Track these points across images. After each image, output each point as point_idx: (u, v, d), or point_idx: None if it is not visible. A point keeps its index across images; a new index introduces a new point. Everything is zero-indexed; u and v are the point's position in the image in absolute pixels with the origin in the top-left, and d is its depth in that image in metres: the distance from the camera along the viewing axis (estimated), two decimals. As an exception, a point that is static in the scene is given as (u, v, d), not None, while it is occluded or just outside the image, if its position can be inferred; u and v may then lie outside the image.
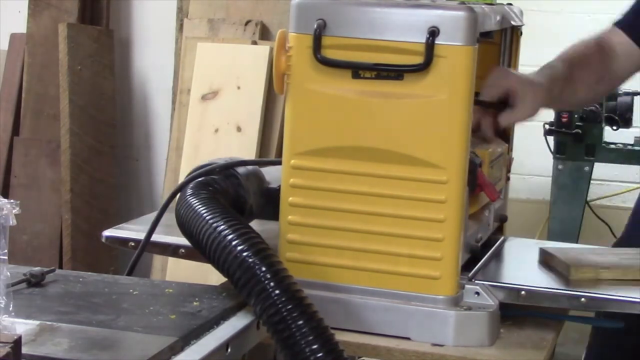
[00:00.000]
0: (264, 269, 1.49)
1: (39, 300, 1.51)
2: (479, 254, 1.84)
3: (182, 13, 3.93)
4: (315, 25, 1.66)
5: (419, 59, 1.62)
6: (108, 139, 4.04)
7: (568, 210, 3.45)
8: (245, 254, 1.51)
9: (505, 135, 2.06)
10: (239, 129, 3.59)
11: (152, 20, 4.14)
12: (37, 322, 1.39)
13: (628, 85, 3.68)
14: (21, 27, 4.05)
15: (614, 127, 3.43)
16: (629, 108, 3.46)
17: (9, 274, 1.29)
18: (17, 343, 1.18)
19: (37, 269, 1.59)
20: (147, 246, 1.79)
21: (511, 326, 1.75)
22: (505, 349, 1.68)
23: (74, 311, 1.46)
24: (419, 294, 1.68)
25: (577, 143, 3.39)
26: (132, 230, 1.90)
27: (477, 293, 1.71)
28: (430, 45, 1.61)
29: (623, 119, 3.44)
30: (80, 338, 1.35)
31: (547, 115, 3.48)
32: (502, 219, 2.08)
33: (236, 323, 1.50)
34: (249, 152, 3.53)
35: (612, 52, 2.19)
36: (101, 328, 1.40)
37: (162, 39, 4.07)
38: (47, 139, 3.99)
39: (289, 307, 1.46)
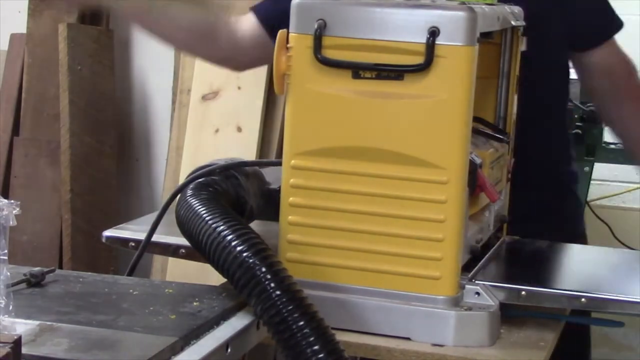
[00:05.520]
0: (264, 269, 1.49)
1: (39, 300, 1.51)
2: (479, 255, 1.84)
3: (182, 13, 3.92)
4: (316, 26, 1.66)
5: (419, 59, 1.62)
6: (108, 139, 4.03)
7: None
8: (245, 254, 1.51)
9: (505, 135, 2.07)
10: (239, 129, 3.59)
11: (152, 20, 4.13)
12: (37, 322, 1.39)
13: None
14: (21, 27, 4.05)
15: (614, 128, 3.42)
16: (629, 108, 3.45)
17: (9, 274, 1.29)
18: (17, 343, 1.18)
19: (37, 269, 1.59)
20: (148, 246, 1.79)
21: (511, 326, 1.75)
22: (505, 349, 1.68)
23: (74, 311, 1.46)
24: (419, 294, 1.68)
25: (577, 143, 3.39)
26: (133, 231, 1.90)
27: (478, 293, 1.71)
28: (430, 46, 1.61)
29: (623, 119, 3.43)
30: (80, 338, 1.35)
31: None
32: (502, 220, 2.07)
33: (236, 323, 1.50)
34: (249, 152, 3.53)
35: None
36: (101, 328, 1.40)
37: (162, 39, 4.06)
38: (47, 139, 3.98)
39: (290, 307, 1.46)
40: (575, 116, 3.38)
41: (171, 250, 1.83)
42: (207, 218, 1.58)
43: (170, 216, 1.72)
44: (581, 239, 2.39)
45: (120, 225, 1.95)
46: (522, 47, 2.01)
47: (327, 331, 1.46)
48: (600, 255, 2.13)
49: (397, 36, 1.64)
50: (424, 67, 1.62)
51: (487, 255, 1.88)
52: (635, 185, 3.78)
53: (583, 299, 1.71)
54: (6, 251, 1.27)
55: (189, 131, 3.66)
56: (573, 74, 3.36)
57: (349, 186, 1.68)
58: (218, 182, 1.72)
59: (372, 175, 1.67)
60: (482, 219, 1.90)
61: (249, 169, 1.80)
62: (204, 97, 3.64)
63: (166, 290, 1.61)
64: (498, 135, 2.03)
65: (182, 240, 1.68)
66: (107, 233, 1.91)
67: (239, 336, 1.48)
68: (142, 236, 1.79)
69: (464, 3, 1.68)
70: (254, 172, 1.82)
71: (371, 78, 1.65)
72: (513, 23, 1.98)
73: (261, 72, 3.57)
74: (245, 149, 3.54)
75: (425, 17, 1.62)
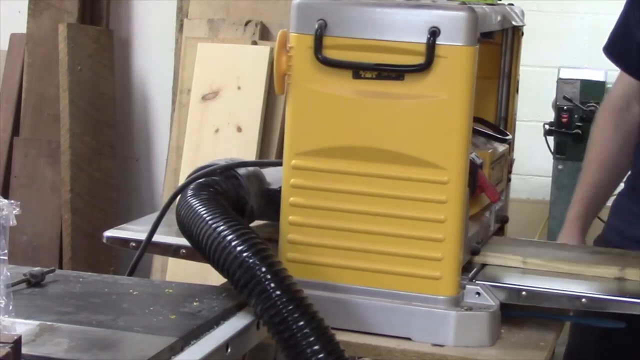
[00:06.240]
0: (264, 269, 1.49)
1: (39, 300, 1.51)
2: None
3: (182, 13, 3.93)
4: (316, 26, 1.65)
5: (419, 59, 1.62)
6: (108, 139, 4.04)
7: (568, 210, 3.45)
8: (245, 254, 1.51)
9: (505, 133, 2.06)
10: (239, 129, 3.59)
11: (152, 20, 4.13)
12: (37, 322, 1.39)
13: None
14: (21, 27, 4.05)
15: (614, 128, 3.42)
16: (629, 108, 3.45)
17: (9, 274, 1.29)
18: (17, 343, 1.18)
19: (37, 269, 1.59)
20: (148, 247, 1.78)
21: (512, 326, 1.75)
22: (505, 349, 1.68)
23: (74, 311, 1.46)
24: (420, 294, 1.68)
25: (577, 143, 3.39)
26: (133, 231, 1.89)
27: (478, 293, 1.71)
28: (431, 46, 1.61)
29: (623, 120, 3.43)
30: (80, 338, 1.35)
31: (547, 115, 3.48)
32: (503, 220, 2.07)
33: (236, 323, 1.50)
34: (249, 152, 3.53)
35: (628, 115, 2.29)
36: (101, 328, 1.40)
37: (162, 39, 4.07)
38: (47, 139, 3.99)
39: (290, 307, 1.46)
40: (575, 116, 3.39)
41: (172, 251, 1.83)
42: (208, 218, 1.58)
43: (170, 216, 1.72)
44: None
45: (121, 226, 1.95)
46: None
47: (327, 331, 1.46)
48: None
49: (397, 36, 1.64)
50: (424, 67, 1.62)
51: (487, 256, 1.88)
52: (635, 186, 3.76)
53: (583, 299, 1.71)
54: (6, 251, 1.27)
55: (189, 131, 3.66)
56: (564, 74, 3.37)
57: (350, 186, 1.68)
58: (218, 183, 1.72)
59: (373, 175, 1.67)
60: (482, 219, 1.90)
61: (250, 169, 1.80)
62: (204, 97, 3.65)
63: (166, 290, 1.61)
64: (499, 136, 2.03)
65: (183, 241, 1.68)
66: (108, 233, 1.90)
67: (239, 336, 1.47)
68: (142, 236, 1.79)
69: (464, 3, 1.68)
70: (254, 173, 1.81)
71: (371, 78, 1.65)
72: (514, 23, 1.98)
73: (261, 72, 3.57)
74: (245, 149, 3.54)
75: (426, 17, 1.62)
